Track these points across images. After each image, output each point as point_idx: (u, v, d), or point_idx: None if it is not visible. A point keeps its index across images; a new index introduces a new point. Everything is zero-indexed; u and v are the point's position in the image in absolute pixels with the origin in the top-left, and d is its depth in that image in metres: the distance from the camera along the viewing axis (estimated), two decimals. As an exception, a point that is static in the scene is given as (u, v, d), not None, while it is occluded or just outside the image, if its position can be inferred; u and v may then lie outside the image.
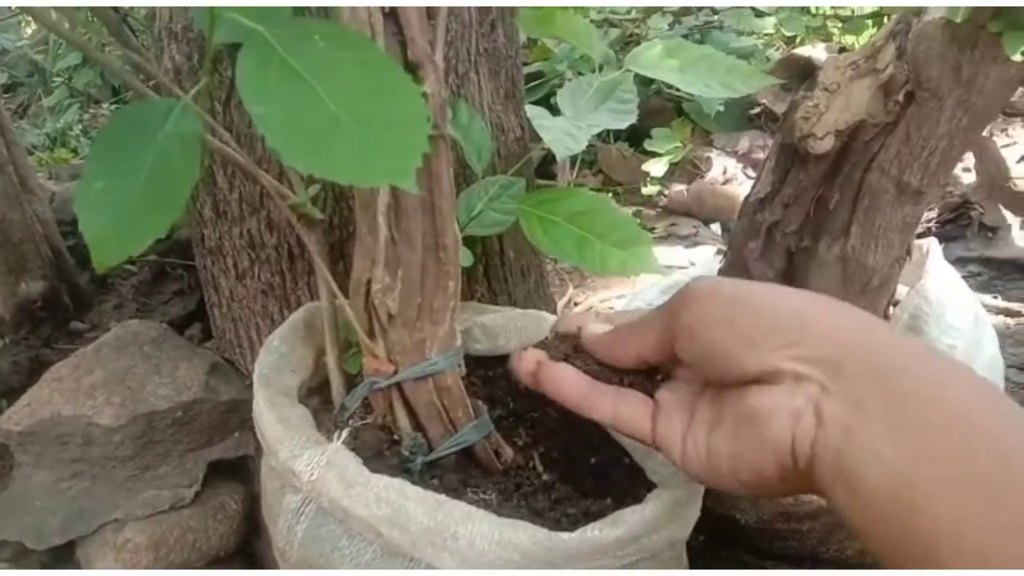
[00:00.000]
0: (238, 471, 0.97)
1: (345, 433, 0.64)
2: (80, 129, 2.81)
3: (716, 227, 2.10)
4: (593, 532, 0.54)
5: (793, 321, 0.40)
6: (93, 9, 1.08)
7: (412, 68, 0.59)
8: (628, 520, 0.55)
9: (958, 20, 0.71)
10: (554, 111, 0.80)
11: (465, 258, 0.70)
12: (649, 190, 2.31)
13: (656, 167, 2.29)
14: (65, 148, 2.54)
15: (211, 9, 0.51)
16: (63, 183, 1.49)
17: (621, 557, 0.55)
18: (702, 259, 1.78)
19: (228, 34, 0.53)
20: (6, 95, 3.22)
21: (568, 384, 0.53)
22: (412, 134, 0.44)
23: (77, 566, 0.90)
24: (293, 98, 0.44)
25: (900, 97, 0.79)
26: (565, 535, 0.53)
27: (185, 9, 0.80)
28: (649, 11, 2.49)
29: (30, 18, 3.20)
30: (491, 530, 0.53)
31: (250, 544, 0.98)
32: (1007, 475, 0.31)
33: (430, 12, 0.62)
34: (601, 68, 0.82)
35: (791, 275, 0.94)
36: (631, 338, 0.50)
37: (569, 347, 0.55)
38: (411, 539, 0.54)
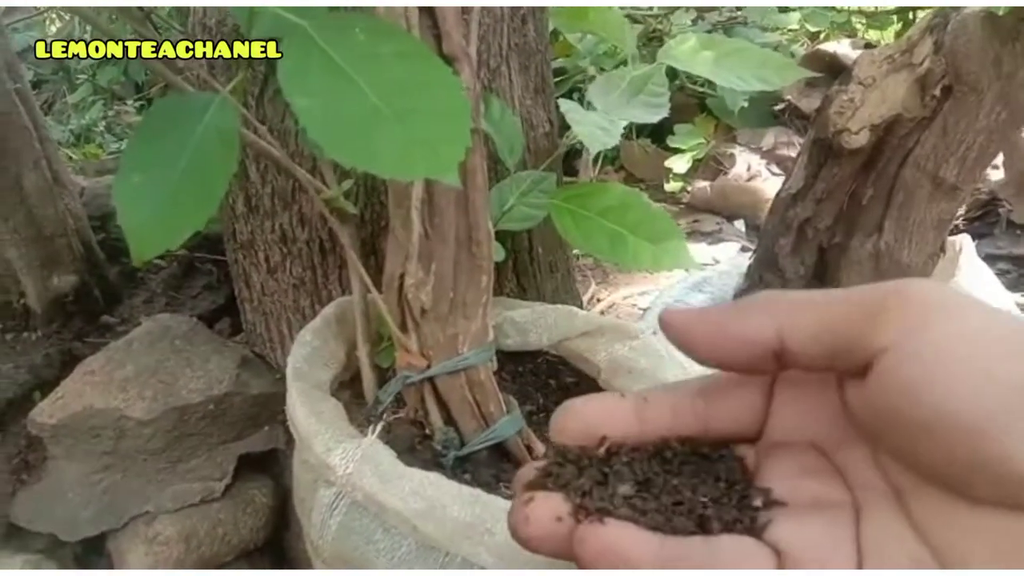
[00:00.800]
0: (268, 465, 0.97)
1: (379, 427, 0.64)
2: (104, 126, 2.83)
3: (740, 224, 2.08)
4: None
5: None
6: (116, 7, 1.08)
7: (447, 62, 0.59)
8: None
9: (1000, 12, 0.70)
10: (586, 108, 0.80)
11: (497, 253, 0.70)
12: (672, 187, 2.29)
13: (679, 163, 2.27)
14: (92, 144, 2.56)
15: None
16: (91, 178, 1.50)
17: None
18: (726, 256, 1.77)
19: (267, 29, 0.53)
20: (32, 92, 3.25)
21: (635, 554, 0.27)
22: (455, 127, 0.44)
23: (108, 558, 0.91)
24: (334, 91, 0.44)
25: (937, 91, 0.78)
26: None
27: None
28: (672, 8, 2.48)
29: (55, 16, 3.23)
30: None
31: (280, 538, 0.98)
32: None
33: (464, 7, 0.62)
34: (629, 62, 0.82)
35: (822, 272, 0.93)
36: (766, 313, 0.28)
37: (594, 473, 0.30)
38: (447, 533, 0.54)
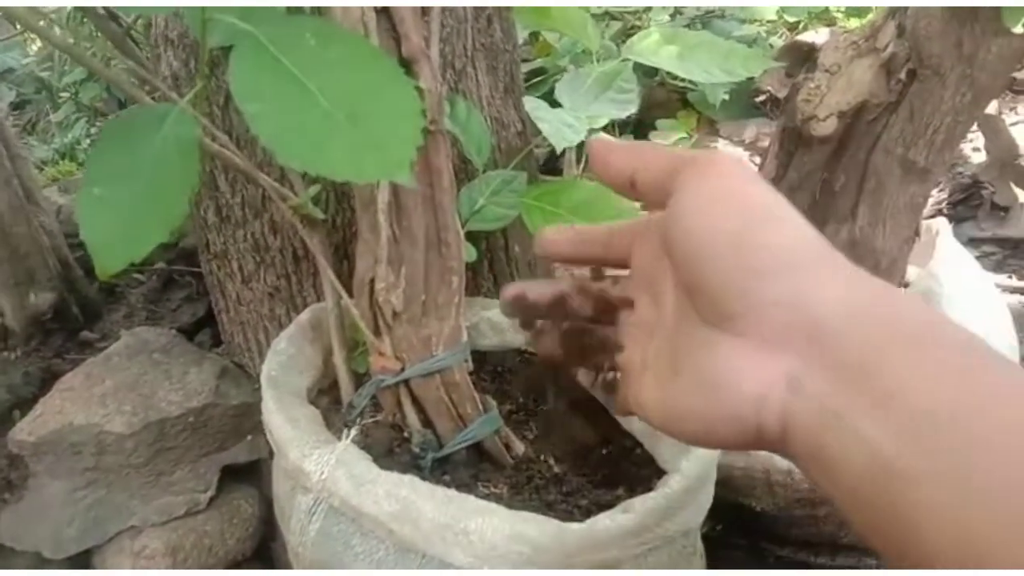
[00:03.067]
0: (252, 475, 0.97)
1: (354, 432, 0.64)
2: (89, 143, 2.83)
3: (725, 216, 2.08)
4: (603, 522, 0.53)
5: (794, 264, 0.31)
6: (96, 24, 1.08)
7: (407, 64, 0.59)
8: (638, 508, 0.54)
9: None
10: (556, 106, 0.80)
11: (468, 253, 0.70)
12: (656, 182, 2.30)
13: (662, 158, 2.27)
14: (73, 161, 2.55)
15: (202, 11, 0.51)
16: (71, 195, 1.49)
17: (634, 546, 0.54)
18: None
19: (222, 37, 0.53)
20: (14, 112, 3.25)
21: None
22: (406, 127, 0.44)
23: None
24: (286, 96, 0.44)
25: (902, 75, 0.78)
26: (575, 526, 0.53)
27: (179, 15, 0.80)
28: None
29: (35, 36, 3.23)
30: (502, 524, 0.53)
31: (267, 547, 0.98)
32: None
33: (424, 8, 0.62)
34: (600, 59, 0.82)
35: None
36: (629, 156, 0.38)
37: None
38: (423, 535, 0.54)
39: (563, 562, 0.53)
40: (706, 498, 0.62)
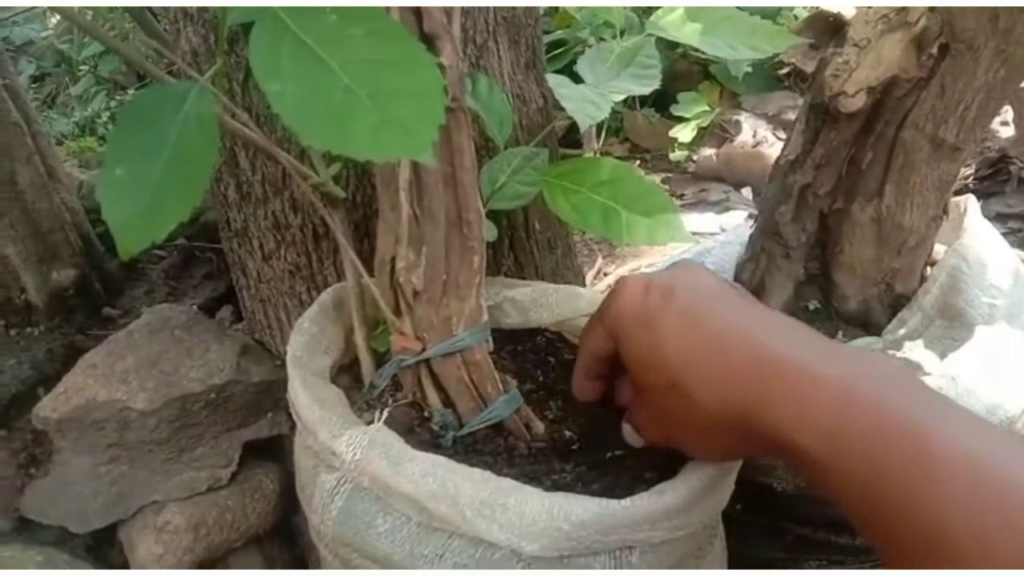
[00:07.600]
0: (273, 450, 0.98)
1: (386, 413, 0.64)
2: (108, 116, 2.83)
3: (747, 191, 2.06)
4: (644, 500, 0.54)
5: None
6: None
7: (428, 40, 0.58)
8: (677, 489, 0.56)
9: None
10: (576, 79, 0.78)
11: (489, 232, 0.70)
12: (677, 156, 2.27)
13: (684, 132, 2.25)
14: (93, 136, 2.56)
15: (221, -13, 0.50)
16: (92, 171, 1.50)
17: (667, 528, 0.55)
18: (733, 224, 1.75)
19: (242, 13, 0.52)
20: (34, 85, 3.26)
21: None
22: (428, 106, 0.43)
23: (119, 548, 0.92)
24: (307, 74, 0.44)
25: (934, 50, 0.76)
26: (616, 503, 0.53)
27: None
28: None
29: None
30: (541, 499, 0.54)
31: (288, 521, 0.99)
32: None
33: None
34: (623, 33, 0.81)
35: (824, 238, 0.92)
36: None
37: None
38: (460, 511, 0.54)
39: (598, 540, 0.53)
40: (731, 483, 0.63)
